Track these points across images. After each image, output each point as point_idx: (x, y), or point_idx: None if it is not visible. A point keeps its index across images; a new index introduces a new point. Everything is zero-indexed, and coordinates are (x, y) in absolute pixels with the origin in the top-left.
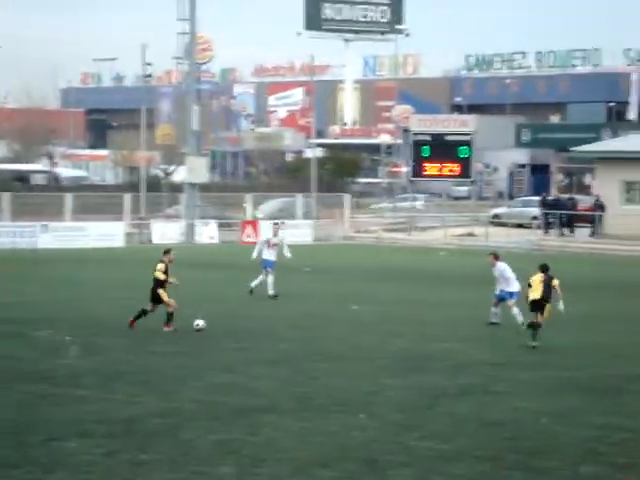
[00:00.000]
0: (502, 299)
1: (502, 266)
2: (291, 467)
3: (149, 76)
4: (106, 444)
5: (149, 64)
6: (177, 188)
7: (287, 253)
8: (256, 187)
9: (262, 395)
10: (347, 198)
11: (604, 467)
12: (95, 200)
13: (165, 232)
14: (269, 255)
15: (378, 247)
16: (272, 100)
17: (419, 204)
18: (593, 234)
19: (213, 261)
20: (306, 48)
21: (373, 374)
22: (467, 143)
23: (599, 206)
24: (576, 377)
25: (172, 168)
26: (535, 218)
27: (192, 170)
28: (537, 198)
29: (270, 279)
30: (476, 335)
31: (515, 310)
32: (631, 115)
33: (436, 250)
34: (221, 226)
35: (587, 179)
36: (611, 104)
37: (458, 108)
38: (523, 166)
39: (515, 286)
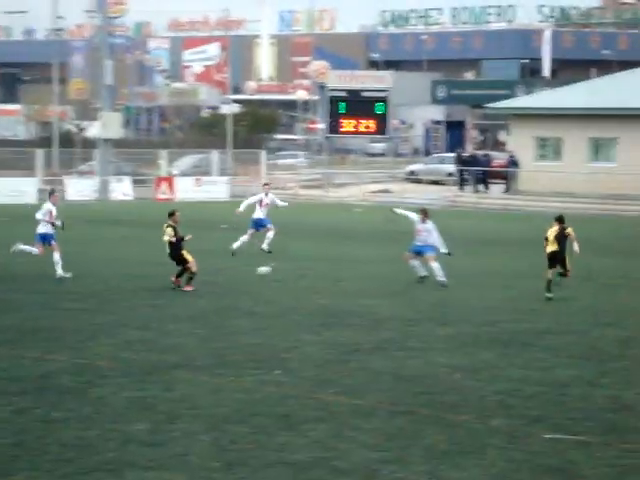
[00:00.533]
0: (419, 252)
1: (431, 225)
2: (206, 423)
3: (61, 30)
4: (18, 402)
5: (61, 17)
6: (91, 144)
7: (282, 203)
8: (171, 143)
9: (177, 352)
10: (263, 155)
11: (516, 420)
12: (6, 156)
13: (79, 188)
14: (260, 214)
15: (295, 204)
16: (187, 55)
17: (299, 161)
18: (507, 190)
19: (128, 218)
20: (221, 2)
21: (289, 330)
22: (383, 99)
23: (513, 162)
24: (489, 332)
25: (85, 123)
26: (450, 175)
27: (106, 125)
28: (452, 155)
29: (270, 234)
30: (392, 291)
31: (435, 264)
32: (544, 72)
33: (352, 207)
34: (135, 182)
35: (501, 136)
36: (525, 61)
37: (374, 64)
38: (439, 122)
39: (438, 242)
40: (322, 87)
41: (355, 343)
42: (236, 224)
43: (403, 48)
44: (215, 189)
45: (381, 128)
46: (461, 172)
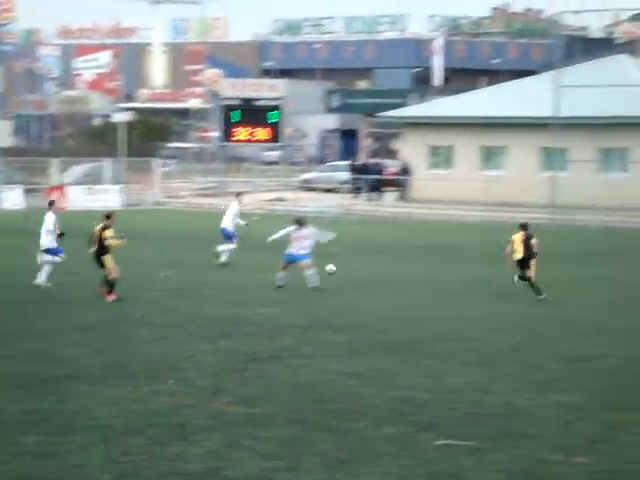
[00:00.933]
0: (293, 260)
1: (309, 228)
2: (100, 435)
3: None
4: None
5: None
6: None
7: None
8: (63, 151)
9: (72, 363)
10: (157, 163)
11: (408, 427)
12: None
13: None
14: (230, 225)
15: (189, 212)
16: (78, 63)
17: (166, 170)
18: (400, 198)
19: (19, 228)
20: (113, 10)
21: (186, 340)
22: (277, 108)
23: (406, 171)
24: (382, 339)
25: None
26: (344, 183)
27: None
28: (346, 163)
29: (222, 248)
30: (286, 299)
31: (310, 272)
32: (436, 80)
33: (247, 215)
34: (27, 192)
35: (395, 144)
36: (417, 70)
37: (267, 73)
38: (333, 131)
39: (321, 236)
40: (215, 95)
41: (251, 352)
42: (131, 233)
43: (296, 57)
44: (108, 198)
45: (275, 136)
46: (355, 180)
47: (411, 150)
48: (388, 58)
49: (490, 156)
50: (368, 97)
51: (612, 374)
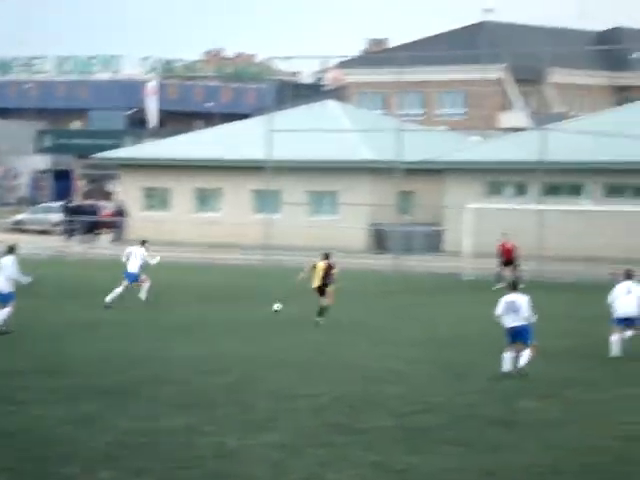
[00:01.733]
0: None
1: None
2: None
3: None
4: None
5: None
6: None
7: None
8: None
9: None
10: None
11: (121, 472)
12: None
13: None
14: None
15: None
16: None
17: None
18: (115, 240)
19: None
20: None
21: None
22: None
23: (121, 212)
24: (97, 383)
25: None
26: (58, 224)
27: None
28: (60, 204)
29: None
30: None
31: (5, 310)
32: (150, 123)
33: None
34: None
35: (110, 185)
36: (131, 111)
37: None
38: (45, 172)
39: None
40: None
41: None
42: None
43: (7, 96)
44: None
45: None
46: (68, 222)
47: (126, 192)
48: (102, 99)
49: (205, 198)
50: (82, 138)
51: (321, 412)
